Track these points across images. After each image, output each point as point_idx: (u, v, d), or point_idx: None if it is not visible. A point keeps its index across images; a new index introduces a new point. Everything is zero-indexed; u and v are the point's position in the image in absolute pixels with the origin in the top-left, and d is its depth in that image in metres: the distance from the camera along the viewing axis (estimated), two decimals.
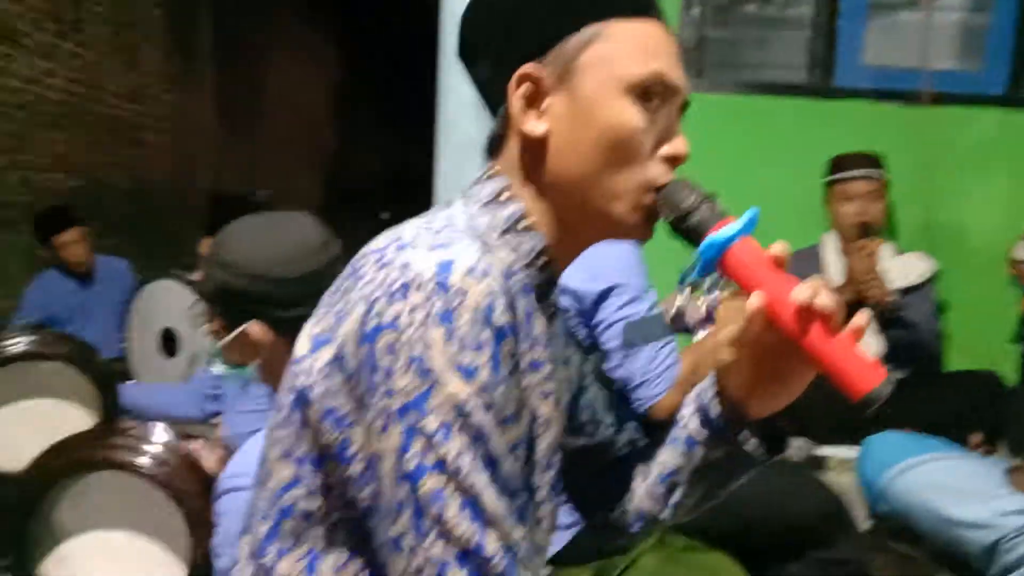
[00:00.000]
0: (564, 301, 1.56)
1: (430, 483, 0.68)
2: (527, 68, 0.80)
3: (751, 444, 0.87)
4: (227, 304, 1.25)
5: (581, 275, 1.56)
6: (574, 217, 0.83)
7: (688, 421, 0.92)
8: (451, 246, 0.73)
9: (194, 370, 3.35)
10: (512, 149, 0.84)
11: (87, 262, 3.93)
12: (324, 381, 0.74)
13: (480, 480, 0.69)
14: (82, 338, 3.60)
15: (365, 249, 0.79)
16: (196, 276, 3.32)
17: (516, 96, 0.81)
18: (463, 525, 0.68)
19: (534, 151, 0.82)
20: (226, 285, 1.24)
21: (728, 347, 0.84)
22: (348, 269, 0.79)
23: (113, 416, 2.13)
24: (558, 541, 1.45)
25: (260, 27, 8.62)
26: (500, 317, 0.71)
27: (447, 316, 0.69)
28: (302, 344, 0.78)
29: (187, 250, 3.56)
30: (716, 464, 0.91)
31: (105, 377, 2.23)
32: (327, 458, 0.76)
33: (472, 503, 0.69)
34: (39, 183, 4.99)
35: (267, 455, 0.82)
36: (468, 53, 0.87)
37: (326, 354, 0.74)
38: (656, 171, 0.81)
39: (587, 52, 0.80)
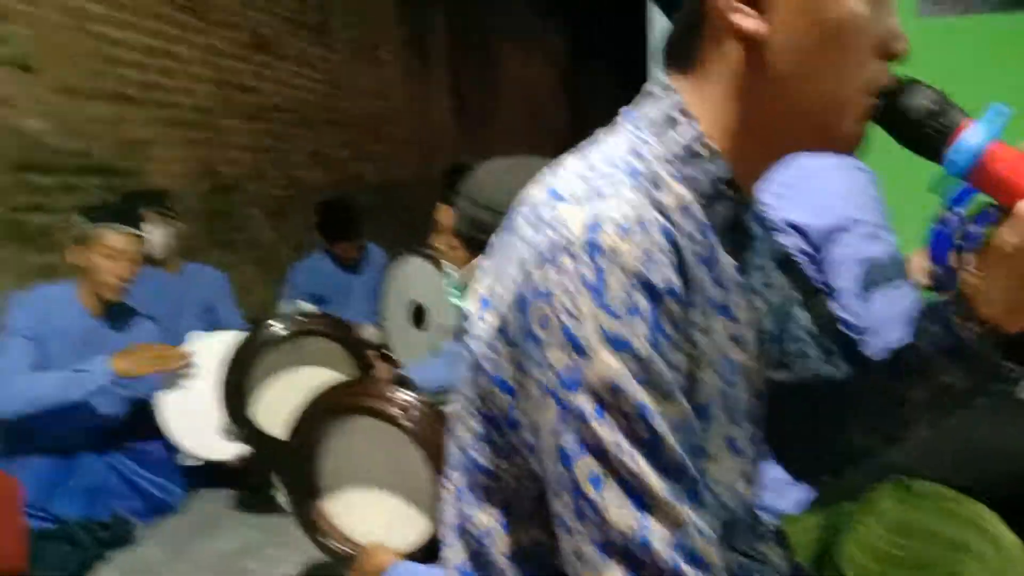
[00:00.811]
0: (786, 240, 1.48)
1: (585, 466, 0.64)
2: None
3: (1005, 366, 0.77)
4: (472, 236, 1.33)
5: (807, 209, 1.47)
6: (776, 130, 0.74)
7: (920, 350, 0.82)
8: (605, 197, 0.66)
9: (441, 341, 3.55)
10: (707, 53, 0.73)
11: (356, 258, 4.26)
12: (491, 347, 0.72)
13: (638, 463, 0.63)
14: (340, 317, 3.99)
15: (523, 197, 0.74)
16: (434, 245, 3.52)
17: None
18: (622, 512, 0.63)
19: (742, 53, 0.71)
20: (472, 217, 1.33)
21: (986, 262, 0.74)
22: (508, 219, 0.75)
23: None
24: (785, 497, 1.38)
25: (489, 20, 8.92)
26: (659, 276, 0.64)
27: (597, 282, 0.63)
28: (472, 301, 0.76)
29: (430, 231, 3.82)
30: (948, 391, 0.82)
31: (360, 349, 2.54)
32: (499, 420, 0.74)
33: (631, 487, 0.63)
34: (298, 178, 5.49)
35: (457, 408, 0.82)
36: None
37: (491, 318, 0.72)
38: (877, 70, 0.72)
39: None
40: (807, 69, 0.71)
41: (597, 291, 0.63)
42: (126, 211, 2.77)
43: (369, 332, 4.03)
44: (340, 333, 2.52)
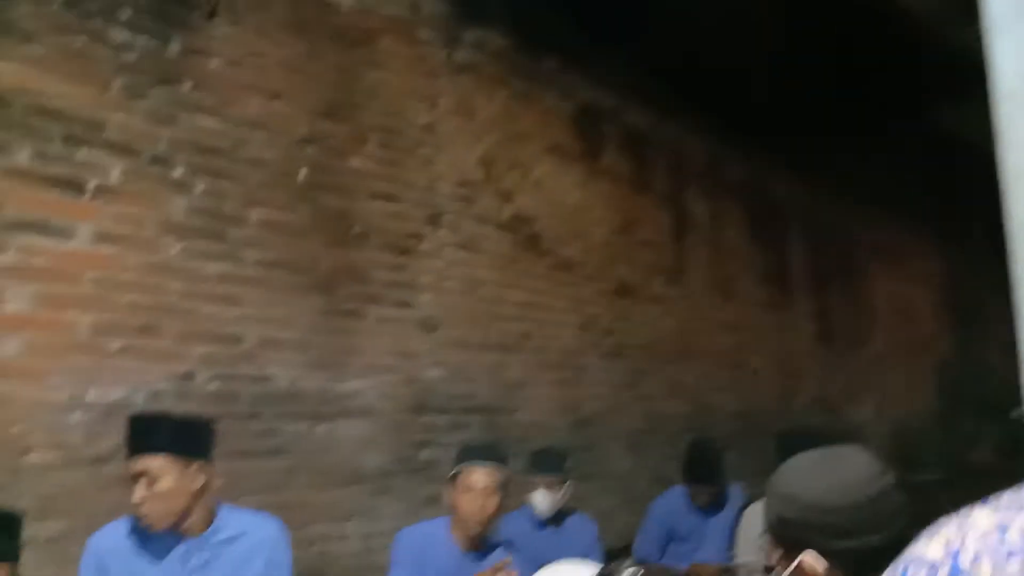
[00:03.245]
0: None
1: None
2: None
3: None
4: (783, 534, 1.33)
5: None
6: None
7: None
8: None
9: None
10: None
11: (712, 501, 4.28)
12: None
13: None
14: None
15: (914, 551, 0.73)
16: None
17: None
18: None
19: None
20: (782, 515, 1.32)
21: None
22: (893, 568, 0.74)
23: None
24: None
25: (858, 239, 8.81)
26: None
27: None
28: None
29: None
30: None
31: None
32: None
33: None
34: (657, 411, 5.74)
35: None
36: None
37: None
38: None
39: None
40: None
41: None
42: (490, 448, 3.08)
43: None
44: None
